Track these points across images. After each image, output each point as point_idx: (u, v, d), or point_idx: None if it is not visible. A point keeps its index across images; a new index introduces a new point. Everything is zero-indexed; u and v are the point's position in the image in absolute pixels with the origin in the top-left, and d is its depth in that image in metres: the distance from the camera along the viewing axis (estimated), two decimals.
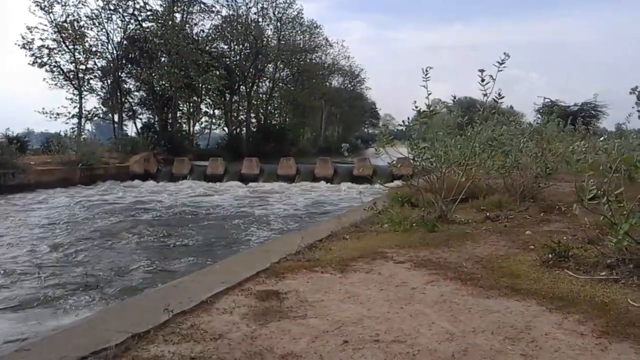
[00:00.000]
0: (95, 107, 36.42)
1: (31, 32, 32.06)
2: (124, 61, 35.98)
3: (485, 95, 7.06)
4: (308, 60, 53.40)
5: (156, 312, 3.52)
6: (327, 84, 62.35)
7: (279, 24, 46.12)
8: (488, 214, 7.93)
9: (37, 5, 31.69)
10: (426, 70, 7.08)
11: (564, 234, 6.04)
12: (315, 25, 52.83)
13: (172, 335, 3.21)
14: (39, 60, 32.70)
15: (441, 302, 3.85)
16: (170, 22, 34.97)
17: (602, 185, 4.46)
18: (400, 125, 7.76)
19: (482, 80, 6.84)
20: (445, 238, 6.26)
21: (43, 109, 32.86)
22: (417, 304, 3.82)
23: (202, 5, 38.92)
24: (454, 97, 20.82)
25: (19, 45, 31.94)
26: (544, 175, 9.08)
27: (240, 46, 42.97)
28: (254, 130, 45.18)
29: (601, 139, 10.10)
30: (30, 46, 32.24)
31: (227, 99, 43.36)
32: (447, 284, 4.35)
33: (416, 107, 7.38)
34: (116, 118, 35.90)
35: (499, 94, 7.20)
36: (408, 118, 8.21)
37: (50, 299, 7.18)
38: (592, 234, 5.52)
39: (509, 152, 8.71)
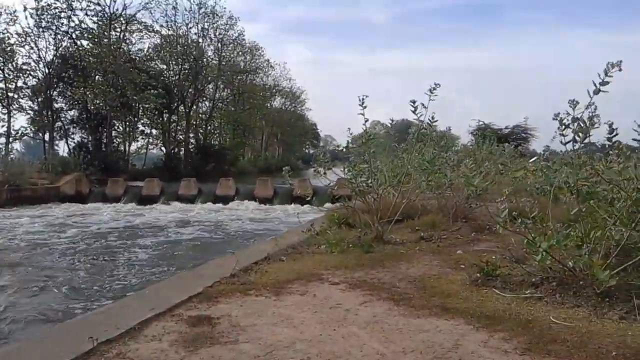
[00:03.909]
0: (23, 127, 35.04)
1: None
2: (55, 80, 34.73)
3: (419, 121, 7.36)
4: (249, 82, 53.46)
5: (80, 341, 3.35)
6: (268, 105, 62.49)
7: (219, 44, 45.88)
8: (422, 234, 8.10)
9: None
10: (362, 100, 7.27)
11: (493, 253, 6.22)
12: (256, 47, 53.13)
13: None
14: None
15: (373, 322, 3.88)
16: (105, 41, 34.16)
17: (532, 206, 4.66)
18: (339, 148, 7.90)
19: (415, 110, 7.11)
20: (381, 258, 6.33)
21: None
22: (350, 325, 3.82)
23: (141, 25, 38.24)
24: (392, 121, 21.50)
25: None
26: (475, 195, 9.35)
27: (180, 66, 42.40)
28: (193, 150, 44.49)
29: (531, 160, 10.49)
30: None
31: (165, 118, 42.57)
32: (380, 304, 4.38)
33: (350, 133, 8.25)
34: (47, 137, 34.48)
35: (432, 117, 7.50)
36: (348, 141, 8.36)
37: None
38: (519, 253, 5.71)
39: (445, 172, 8.97)
